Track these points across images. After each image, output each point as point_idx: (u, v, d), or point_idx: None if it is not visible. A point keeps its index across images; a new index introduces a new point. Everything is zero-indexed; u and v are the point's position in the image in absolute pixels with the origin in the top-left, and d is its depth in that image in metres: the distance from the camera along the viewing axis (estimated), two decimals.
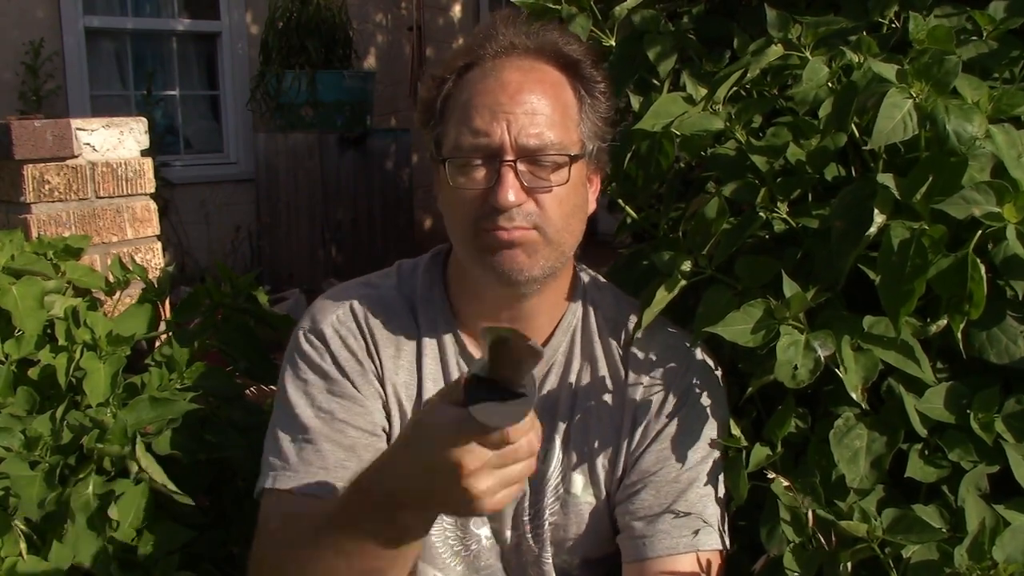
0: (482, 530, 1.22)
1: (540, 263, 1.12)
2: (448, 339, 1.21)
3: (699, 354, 1.21)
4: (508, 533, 1.22)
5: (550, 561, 1.22)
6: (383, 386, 1.18)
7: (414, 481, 0.89)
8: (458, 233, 1.14)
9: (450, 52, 1.21)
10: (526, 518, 1.21)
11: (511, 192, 1.07)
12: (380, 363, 1.18)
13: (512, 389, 0.81)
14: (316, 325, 1.20)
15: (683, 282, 1.15)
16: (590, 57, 1.17)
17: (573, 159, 1.11)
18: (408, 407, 1.19)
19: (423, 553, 1.22)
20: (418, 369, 1.20)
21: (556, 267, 1.15)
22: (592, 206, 1.21)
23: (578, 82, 1.15)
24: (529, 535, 1.22)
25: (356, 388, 1.16)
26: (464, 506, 0.86)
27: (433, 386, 1.19)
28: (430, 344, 1.21)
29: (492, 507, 0.87)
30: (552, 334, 1.22)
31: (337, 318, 1.20)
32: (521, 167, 1.08)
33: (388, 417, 1.18)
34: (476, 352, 1.20)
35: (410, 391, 1.19)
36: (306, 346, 1.19)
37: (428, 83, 1.17)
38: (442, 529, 1.22)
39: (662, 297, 1.15)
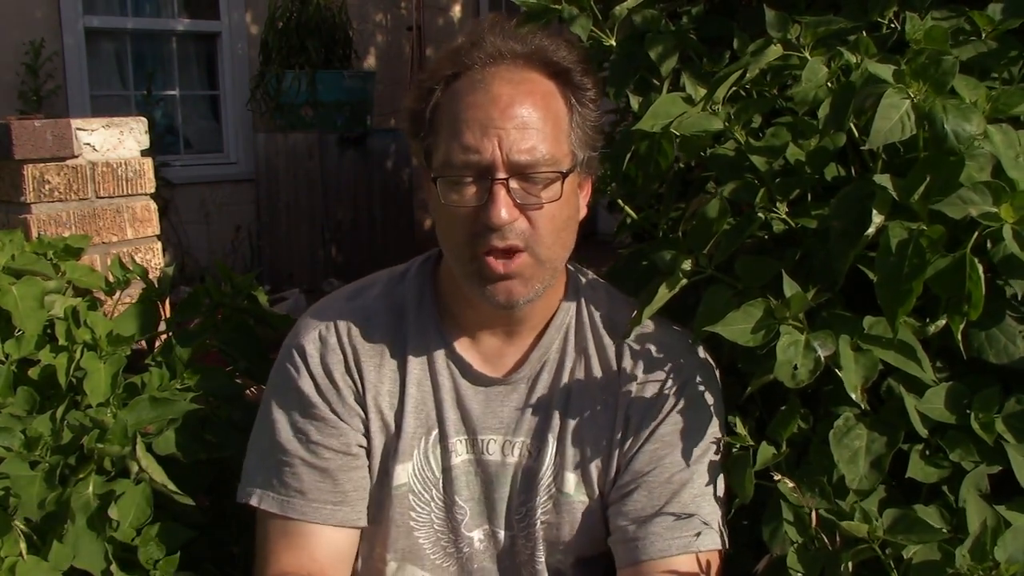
0: (474, 533, 1.23)
1: (535, 287, 1.13)
2: (436, 344, 1.22)
3: (695, 353, 1.21)
4: (502, 533, 1.22)
5: (543, 561, 1.22)
6: (364, 402, 1.20)
7: None
8: (451, 249, 1.15)
9: (435, 58, 1.19)
10: (516, 517, 1.22)
11: (504, 211, 1.07)
12: (361, 378, 1.20)
13: None
14: (299, 341, 1.22)
15: (684, 281, 1.15)
16: (580, 64, 1.16)
17: (564, 175, 1.11)
18: (390, 416, 1.20)
19: (408, 555, 1.23)
20: (402, 376, 1.21)
21: (550, 283, 1.16)
22: (583, 211, 1.21)
23: (568, 90, 1.15)
24: (521, 534, 1.22)
25: (333, 410, 1.19)
26: None
27: (416, 391, 1.20)
28: (417, 350, 1.21)
29: None
30: (544, 331, 1.22)
31: (319, 334, 1.22)
32: (513, 184, 1.08)
33: (368, 432, 1.20)
34: (465, 356, 1.21)
35: (393, 399, 1.21)
36: (288, 363, 1.22)
37: (415, 92, 1.16)
38: (432, 531, 1.22)
39: (662, 295, 1.15)
